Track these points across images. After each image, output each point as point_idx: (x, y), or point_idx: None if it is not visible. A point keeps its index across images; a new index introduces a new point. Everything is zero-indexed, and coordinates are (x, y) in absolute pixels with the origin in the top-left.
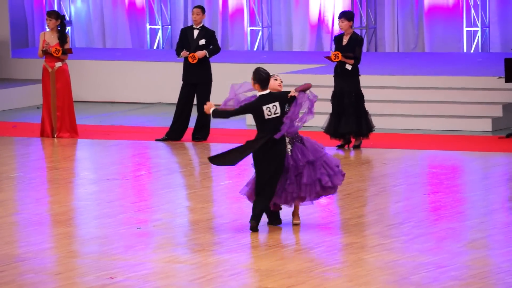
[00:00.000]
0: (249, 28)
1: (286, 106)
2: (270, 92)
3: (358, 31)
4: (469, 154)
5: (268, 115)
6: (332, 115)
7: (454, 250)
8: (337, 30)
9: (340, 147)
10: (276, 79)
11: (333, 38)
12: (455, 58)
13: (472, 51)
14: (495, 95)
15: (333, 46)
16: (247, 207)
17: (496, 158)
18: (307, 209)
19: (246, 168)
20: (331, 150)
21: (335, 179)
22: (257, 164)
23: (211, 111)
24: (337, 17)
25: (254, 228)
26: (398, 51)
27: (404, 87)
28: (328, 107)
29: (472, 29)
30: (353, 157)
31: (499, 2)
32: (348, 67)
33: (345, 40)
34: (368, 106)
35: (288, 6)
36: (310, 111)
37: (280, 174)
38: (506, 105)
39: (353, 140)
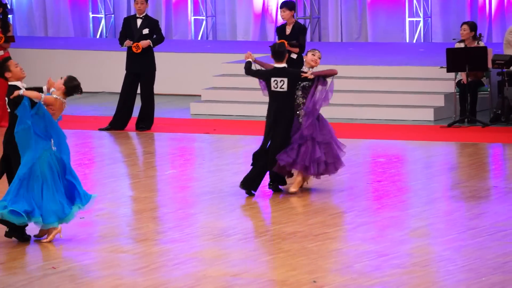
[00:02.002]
0: (193, 18)
1: (298, 85)
2: (284, 67)
3: (302, 21)
4: (411, 144)
5: (275, 88)
6: None
7: (397, 238)
8: (281, 20)
9: None
10: (313, 54)
11: (275, 28)
12: (397, 48)
13: (414, 41)
14: (437, 85)
15: (276, 37)
16: (191, 196)
17: (438, 147)
18: (249, 199)
19: (190, 158)
20: None
21: (330, 167)
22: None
23: (246, 61)
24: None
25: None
26: (341, 41)
27: (347, 77)
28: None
29: (414, 19)
30: None
31: None
32: (293, 56)
33: (288, 30)
34: None
35: None
36: (326, 98)
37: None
38: (448, 95)
39: None
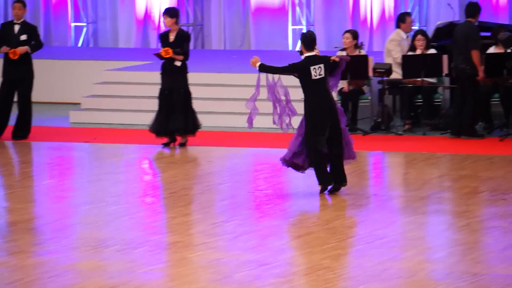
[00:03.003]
0: (73, 24)
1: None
2: (315, 55)
3: (185, 28)
4: None
5: (315, 76)
6: (159, 113)
7: (277, 247)
8: (164, 26)
9: (166, 145)
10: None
11: (158, 35)
12: (281, 55)
13: (297, 49)
14: None
15: (160, 44)
16: (69, 206)
17: None
18: (130, 209)
19: (68, 168)
20: (157, 148)
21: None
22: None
23: (257, 65)
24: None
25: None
26: (225, 48)
27: (231, 85)
28: (154, 105)
29: (297, 27)
30: (178, 155)
31: (324, 1)
32: (177, 63)
33: (172, 37)
34: (194, 104)
35: (113, 1)
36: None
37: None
38: None
39: (178, 138)
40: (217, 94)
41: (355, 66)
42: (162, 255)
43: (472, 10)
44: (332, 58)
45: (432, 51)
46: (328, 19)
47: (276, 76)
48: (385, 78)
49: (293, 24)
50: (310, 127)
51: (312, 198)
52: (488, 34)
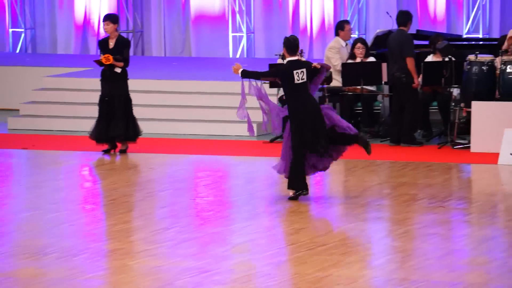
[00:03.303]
0: (11, 30)
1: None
2: (298, 59)
3: (124, 35)
4: (234, 159)
5: (297, 80)
6: (99, 119)
7: (218, 254)
8: (103, 33)
9: (106, 152)
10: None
11: (97, 42)
12: (221, 63)
13: (238, 56)
14: None
15: (99, 51)
16: (7, 213)
17: (260, 162)
18: (69, 216)
19: (7, 174)
20: (97, 154)
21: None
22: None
23: (239, 71)
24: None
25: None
26: (165, 55)
27: (171, 92)
28: (94, 112)
29: (237, 34)
30: (119, 162)
31: (264, 9)
32: (118, 70)
33: (111, 44)
34: (135, 111)
35: (52, 7)
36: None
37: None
38: None
39: (119, 145)
40: (157, 100)
41: None
42: (103, 263)
43: (403, 18)
44: (314, 64)
45: (372, 59)
46: (268, 27)
47: (259, 82)
48: (325, 86)
49: (233, 32)
50: (295, 131)
51: (253, 205)
52: (426, 42)
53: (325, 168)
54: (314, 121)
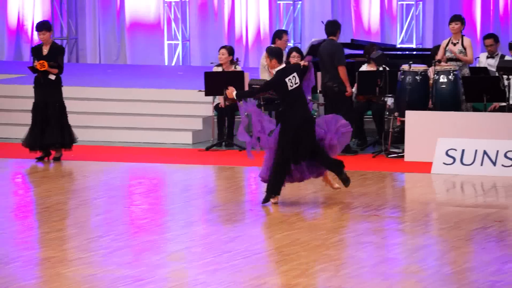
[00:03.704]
0: None
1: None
2: (285, 66)
3: (59, 41)
4: (170, 167)
5: (291, 86)
6: (33, 127)
7: (153, 262)
8: (37, 39)
9: (39, 159)
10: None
11: (30, 48)
12: (157, 70)
13: (173, 64)
14: (195, 108)
15: (32, 57)
16: None
17: (196, 170)
18: (2, 224)
19: None
20: (30, 162)
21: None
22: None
23: (234, 94)
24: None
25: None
26: (100, 62)
27: (106, 99)
28: (27, 119)
29: (173, 42)
30: (53, 170)
31: (199, 17)
32: (52, 77)
33: (45, 50)
34: (69, 118)
35: None
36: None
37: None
38: (206, 118)
39: (53, 152)
40: (92, 108)
41: (231, 82)
42: (36, 271)
43: (332, 28)
44: (302, 63)
45: None
46: (203, 35)
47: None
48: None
49: (168, 39)
50: (286, 136)
51: (188, 213)
52: (361, 52)
53: (301, 179)
54: (308, 134)
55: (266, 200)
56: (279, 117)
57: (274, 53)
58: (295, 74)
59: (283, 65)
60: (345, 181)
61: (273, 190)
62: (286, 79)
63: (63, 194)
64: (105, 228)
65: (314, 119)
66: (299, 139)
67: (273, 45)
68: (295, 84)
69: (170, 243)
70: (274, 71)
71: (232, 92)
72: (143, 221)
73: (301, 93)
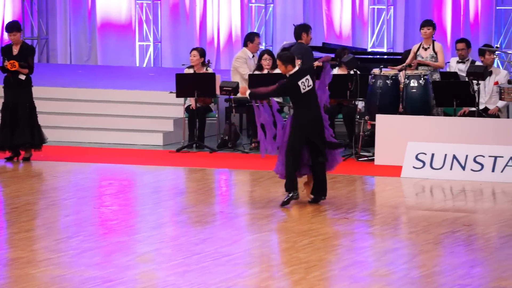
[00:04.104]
0: None
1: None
2: (298, 69)
3: (29, 41)
4: (140, 168)
5: (304, 89)
6: (2, 127)
7: (123, 264)
8: (6, 39)
9: (8, 159)
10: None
11: (0, 48)
12: (128, 72)
13: (144, 65)
14: (166, 109)
15: (1, 58)
16: None
17: (166, 172)
18: None
19: None
20: None
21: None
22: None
23: (247, 93)
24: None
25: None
26: (70, 63)
27: (77, 100)
28: None
29: (144, 43)
30: (22, 170)
31: (171, 19)
32: (22, 77)
33: (15, 50)
34: (40, 118)
35: None
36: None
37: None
38: (177, 120)
39: (22, 152)
40: (62, 108)
41: (202, 84)
42: (4, 271)
43: (298, 31)
44: (316, 64)
45: (278, 70)
46: (175, 36)
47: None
48: (232, 97)
49: (140, 41)
50: (295, 137)
51: (158, 215)
52: (332, 55)
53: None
54: (318, 129)
55: (286, 202)
56: (293, 118)
57: (289, 59)
58: (308, 76)
59: (296, 68)
60: (314, 200)
61: (287, 189)
62: (299, 82)
63: (32, 195)
64: (75, 229)
65: (322, 121)
66: (307, 139)
67: (281, 52)
68: (308, 86)
69: (139, 244)
70: (288, 75)
71: (245, 91)
72: (113, 222)
73: (314, 95)
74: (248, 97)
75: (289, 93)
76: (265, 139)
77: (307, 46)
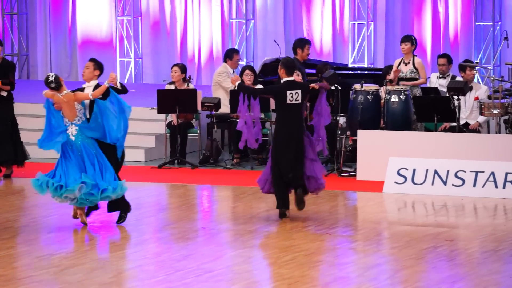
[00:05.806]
0: None
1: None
2: (293, 80)
3: (9, 58)
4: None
5: (290, 101)
6: None
7: (105, 281)
8: None
9: None
10: (298, 75)
11: None
12: None
13: (125, 81)
14: (148, 125)
15: None
16: None
17: (148, 188)
18: None
19: None
20: None
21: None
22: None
23: (236, 83)
24: None
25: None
26: None
27: None
28: None
29: (125, 59)
30: (3, 187)
31: (152, 35)
32: (3, 93)
33: None
34: (21, 135)
35: None
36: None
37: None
38: (159, 136)
39: (3, 169)
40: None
41: (184, 100)
42: None
43: (294, 47)
44: (312, 85)
45: (260, 86)
46: (156, 53)
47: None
48: (214, 112)
49: (121, 57)
50: (274, 148)
51: (140, 231)
52: (313, 71)
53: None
54: (295, 143)
55: (280, 215)
56: (274, 128)
57: (283, 64)
58: (299, 91)
59: (292, 78)
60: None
61: (277, 204)
62: (288, 92)
63: (13, 212)
64: (56, 246)
65: (301, 139)
66: (281, 154)
67: (287, 57)
68: (295, 100)
69: (122, 261)
70: (282, 80)
71: (236, 80)
72: (95, 239)
73: (297, 111)
74: (237, 87)
75: (275, 96)
76: (247, 131)
77: (299, 63)
